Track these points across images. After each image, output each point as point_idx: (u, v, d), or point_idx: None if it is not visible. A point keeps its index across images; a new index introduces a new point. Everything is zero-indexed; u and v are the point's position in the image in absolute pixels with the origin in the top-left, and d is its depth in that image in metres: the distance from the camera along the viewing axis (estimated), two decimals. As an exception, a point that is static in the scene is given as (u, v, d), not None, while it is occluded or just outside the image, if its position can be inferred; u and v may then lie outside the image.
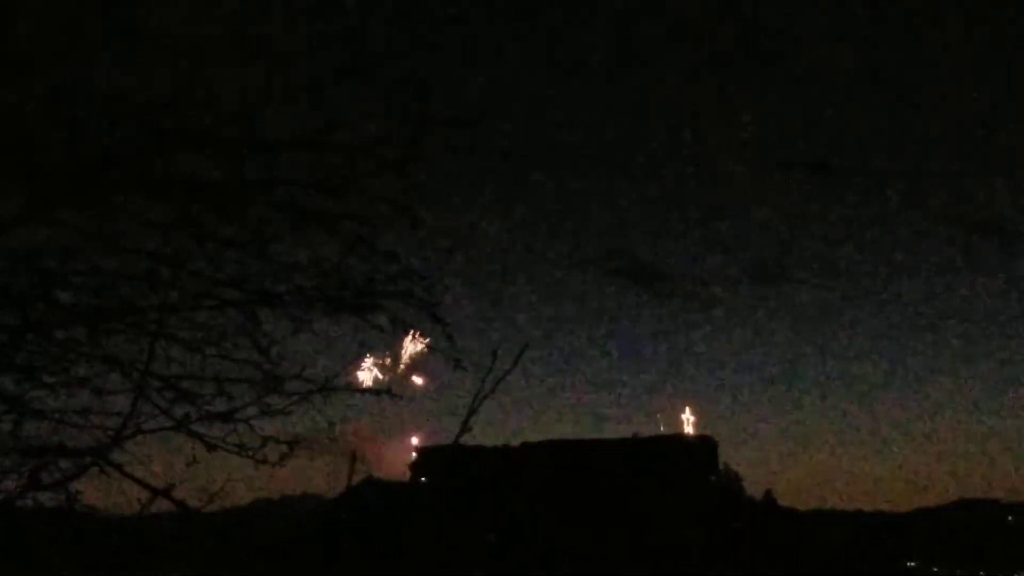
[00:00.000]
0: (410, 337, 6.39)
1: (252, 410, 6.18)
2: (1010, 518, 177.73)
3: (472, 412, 5.93)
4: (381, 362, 6.68)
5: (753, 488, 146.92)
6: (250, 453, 6.21)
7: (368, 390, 6.31)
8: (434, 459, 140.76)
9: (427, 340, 6.35)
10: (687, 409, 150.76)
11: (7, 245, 5.93)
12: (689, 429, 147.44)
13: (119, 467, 5.92)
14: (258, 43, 5.85)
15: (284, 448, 6.24)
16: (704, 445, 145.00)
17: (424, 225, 6.28)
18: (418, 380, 6.54)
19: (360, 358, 6.54)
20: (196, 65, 5.73)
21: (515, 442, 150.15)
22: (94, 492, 6.15)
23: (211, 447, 6.07)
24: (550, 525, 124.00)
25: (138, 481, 5.90)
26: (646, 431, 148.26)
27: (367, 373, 6.59)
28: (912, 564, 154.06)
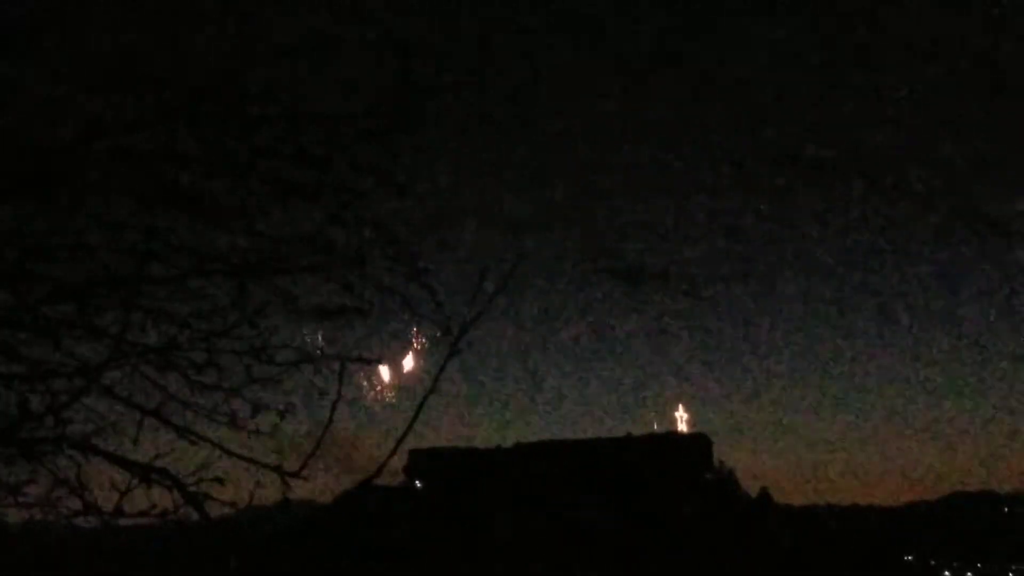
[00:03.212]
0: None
1: (241, 379, 6.17)
2: (1006, 509, 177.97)
3: (463, 332, 5.91)
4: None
5: (748, 485, 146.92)
6: (241, 424, 6.20)
7: (360, 359, 6.28)
8: (427, 461, 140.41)
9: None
10: (680, 407, 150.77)
11: None
12: (683, 427, 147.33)
13: (109, 390, 5.92)
14: (242, 11, 5.86)
15: (276, 418, 6.23)
16: (698, 442, 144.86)
17: (410, 194, 6.29)
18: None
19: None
20: (178, 31, 5.73)
21: (508, 443, 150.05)
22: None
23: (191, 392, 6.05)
24: (543, 525, 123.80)
25: (130, 403, 5.91)
26: (639, 429, 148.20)
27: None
28: (909, 558, 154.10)
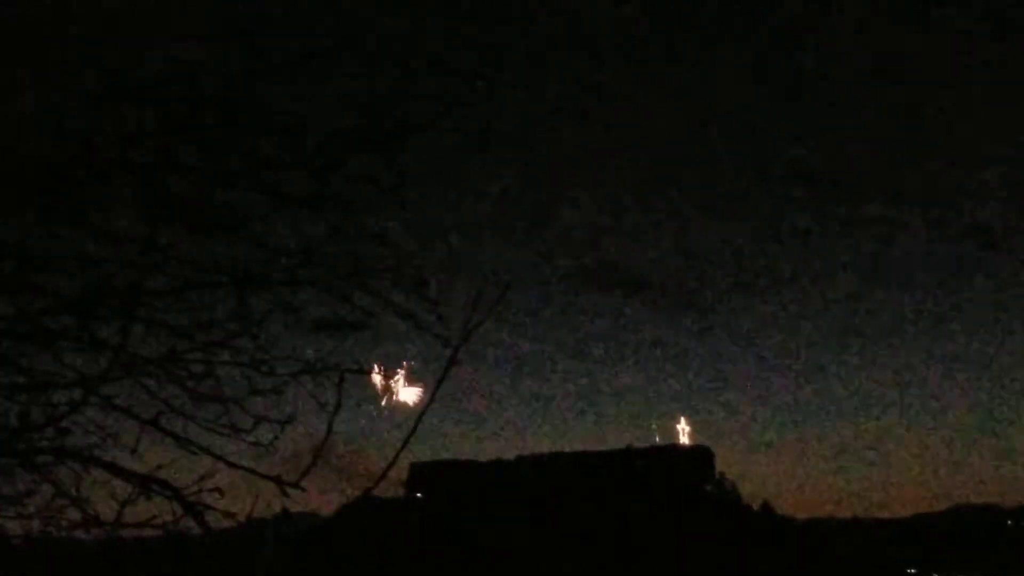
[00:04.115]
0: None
1: (242, 391, 6.19)
2: (1009, 522, 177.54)
3: (461, 344, 5.92)
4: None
5: (750, 497, 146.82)
6: (242, 435, 6.22)
7: (358, 371, 6.29)
8: (428, 474, 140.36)
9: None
10: (682, 419, 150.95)
11: None
12: (684, 439, 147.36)
13: (109, 399, 5.93)
14: (240, 21, 5.88)
15: (277, 429, 6.25)
16: (700, 455, 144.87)
17: (411, 205, 6.30)
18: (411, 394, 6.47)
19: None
20: (178, 43, 5.75)
21: (509, 456, 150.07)
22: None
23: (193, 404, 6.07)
24: (545, 538, 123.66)
25: (130, 414, 5.93)
26: (641, 442, 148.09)
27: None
28: (912, 571, 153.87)
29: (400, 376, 6.32)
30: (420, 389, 6.27)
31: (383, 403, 6.34)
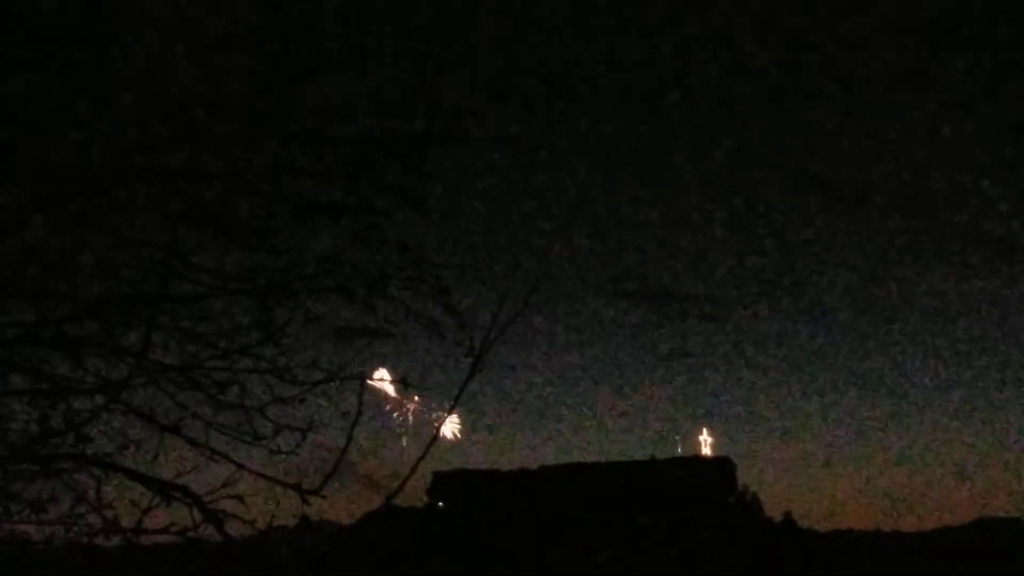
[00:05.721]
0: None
1: (264, 399, 6.19)
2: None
3: (483, 352, 5.90)
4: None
5: (772, 509, 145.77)
6: (263, 443, 6.21)
7: (379, 380, 6.29)
8: (450, 483, 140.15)
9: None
10: (704, 430, 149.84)
11: (18, 241, 5.97)
12: (707, 450, 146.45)
13: (130, 406, 5.93)
14: (267, 30, 5.89)
15: (298, 436, 6.24)
16: (722, 466, 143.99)
17: (433, 214, 6.29)
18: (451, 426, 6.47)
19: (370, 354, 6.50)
20: (205, 50, 5.76)
21: (532, 465, 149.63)
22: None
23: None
24: (568, 548, 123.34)
25: (148, 418, 5.93)
26: (663, 452, 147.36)
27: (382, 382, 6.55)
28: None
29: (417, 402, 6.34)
30: (448, 416, 6.28)
31: (398, 416, 6.34)
